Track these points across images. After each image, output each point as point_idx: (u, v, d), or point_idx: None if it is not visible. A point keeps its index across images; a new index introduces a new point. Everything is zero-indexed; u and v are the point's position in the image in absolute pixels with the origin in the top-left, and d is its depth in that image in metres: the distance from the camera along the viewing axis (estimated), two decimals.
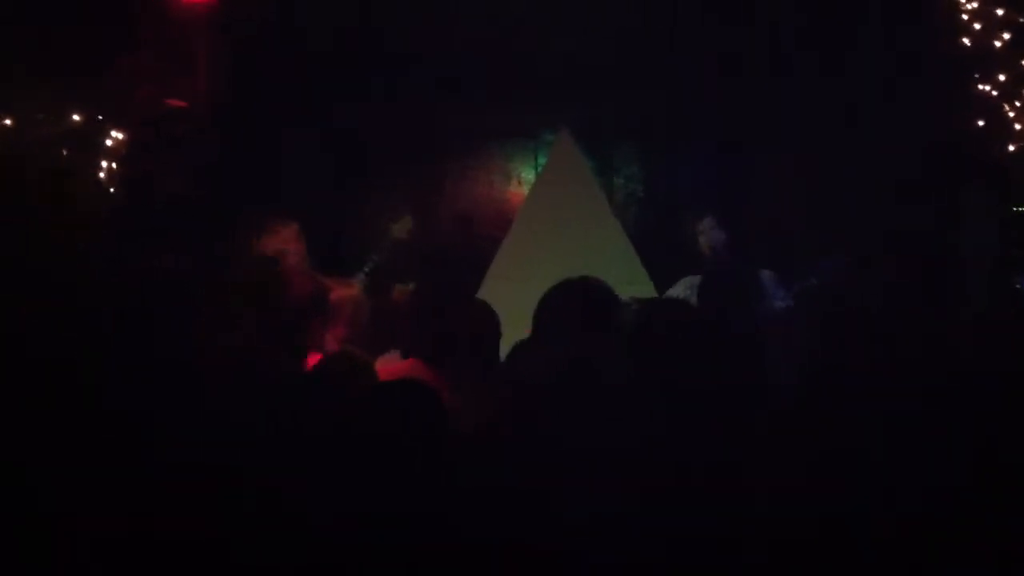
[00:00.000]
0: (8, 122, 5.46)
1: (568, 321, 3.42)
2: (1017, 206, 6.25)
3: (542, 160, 7.21)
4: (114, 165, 5.80)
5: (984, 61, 6.29)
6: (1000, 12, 6.23)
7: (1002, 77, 6.25)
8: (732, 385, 2.65)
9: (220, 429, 2.74)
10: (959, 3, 6.31)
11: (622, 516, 2.29)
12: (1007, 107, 6.25)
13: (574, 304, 3.47)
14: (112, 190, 5.77)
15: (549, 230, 6.45)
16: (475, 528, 2.34)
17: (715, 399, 2.60)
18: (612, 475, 2.35)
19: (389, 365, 3.82)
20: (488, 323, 3.67)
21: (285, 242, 4.71)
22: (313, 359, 3.76)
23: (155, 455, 2.56)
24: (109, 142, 5.87)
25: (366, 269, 5.45)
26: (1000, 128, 6.21)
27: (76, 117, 5.72)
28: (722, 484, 2.37)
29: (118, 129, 5.87)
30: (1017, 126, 6.22)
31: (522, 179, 7.33)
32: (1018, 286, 5.89)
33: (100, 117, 5.83)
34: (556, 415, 2.58)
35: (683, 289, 5.61)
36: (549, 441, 2.53)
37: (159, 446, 2.59)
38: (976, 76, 6.29)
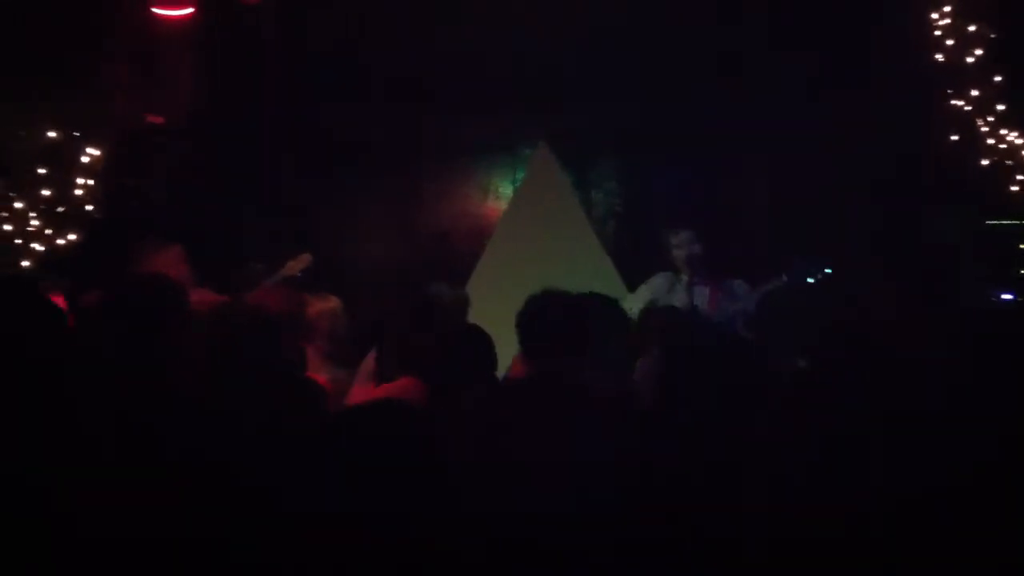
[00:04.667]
0: None
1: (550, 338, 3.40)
2: (990, 220, 6.33)
3: (520, 174, 7.21)
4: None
5: (957, 77, 6.37)
6: (972, 28, 6.30)
7: (975, 92, 6.32)
8: (730, 388, 2.66)
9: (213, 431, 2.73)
10: (932, 20, 6.38)
11: (618, 520, 2.29)
12: (980, 122, 6.32)
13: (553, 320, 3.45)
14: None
15: (527, 244, 6.46)
16: (465, 534, 2.33)
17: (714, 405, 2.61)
18: (606, 482, 2.35)
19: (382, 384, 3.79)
20: (485, 343, 3.65)
21: (168, 266, 4.65)
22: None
23: (154, 455, 2.56)
24: (85, 159, 5.85)
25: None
26: (973, 143, 6.28)
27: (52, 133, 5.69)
28: (720, 488, 2.38)
29: (96, 144, 5.84)
30: (990, 141, 6.30)
31: (500, 193, 7.32)
32: (993, 298, 5.95)
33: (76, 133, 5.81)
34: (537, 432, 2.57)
35: (657, 285, 5.57)
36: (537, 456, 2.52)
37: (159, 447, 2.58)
38: (949, 92, 6.36)
